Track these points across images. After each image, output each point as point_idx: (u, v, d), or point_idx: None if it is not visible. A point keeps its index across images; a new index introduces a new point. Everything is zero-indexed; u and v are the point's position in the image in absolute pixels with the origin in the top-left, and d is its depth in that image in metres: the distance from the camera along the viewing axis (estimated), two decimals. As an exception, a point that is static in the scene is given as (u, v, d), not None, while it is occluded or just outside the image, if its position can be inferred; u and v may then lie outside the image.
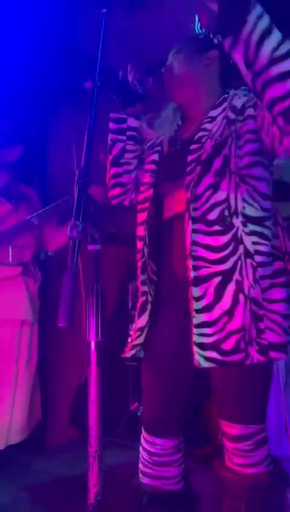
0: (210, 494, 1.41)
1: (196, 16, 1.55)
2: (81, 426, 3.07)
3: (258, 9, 1.05)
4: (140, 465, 1.45)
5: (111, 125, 1.56)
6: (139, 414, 3.17)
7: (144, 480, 1.43)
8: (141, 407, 3.18)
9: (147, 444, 1.43)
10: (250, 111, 1.30)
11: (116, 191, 1.60)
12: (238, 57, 1.11)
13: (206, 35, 1.51)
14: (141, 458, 1.45)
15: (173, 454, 1.42)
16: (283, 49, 1.05)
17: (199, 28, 1.55)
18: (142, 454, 1.45)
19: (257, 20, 1.04)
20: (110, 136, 1.57)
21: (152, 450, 1.42)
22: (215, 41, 1.48)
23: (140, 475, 1.45)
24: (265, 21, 1.05)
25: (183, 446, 1.46)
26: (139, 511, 1.41)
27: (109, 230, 3.43)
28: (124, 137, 1.55)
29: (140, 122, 1.55)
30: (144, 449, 1.44)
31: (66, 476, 2.47)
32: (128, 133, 1.54)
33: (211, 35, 1.50)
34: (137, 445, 1.49)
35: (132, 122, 1.54)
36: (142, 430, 1.46)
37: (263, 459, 1.31)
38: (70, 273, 0.99)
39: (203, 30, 1.54)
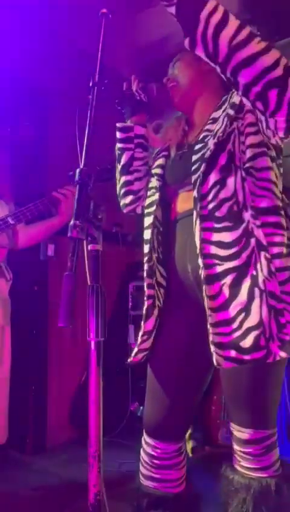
0: (211, 497, 1.38)
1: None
2: (81, 426, 3.08)
3: (209, 6, 1.07)
4: (140, 468, 1.43)
5: (118, 135, 1.56)
6: (139, 414, 3.17)
7: (145, 482, 1.41)
8: (141, 408, 3.20)
9: (148, 447, 1.41)
10: (248, 106, 1.27)
11: (128, 199, 1.59)
12: (200, 54, 1.13)
13: None
14: (142, 460, 1.43)
15: (175, 457, 1.40)
16: (240, 36, 1.06)
17: None
18: (143, 456, 1.43)
19: (209, 17, 1.07)
20: (118, 145, 1.57)
21: (153, 453, 1.39)
22: None
23: (140, 477, 1.43)
24: (218, 15, 1.07)
25: (185, 449, 1.45)
26: None
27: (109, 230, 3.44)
28: (132, 146, 1.55)
29: (146, 129, 1.55)
30: (145, 452, 1.42)
31: (66, 476, 2.46)
32: (135, 140, 1.55)
33: None
34: (137, 445, 1.48)
35: (138, 129, 1.55)
36: (144, 433, 1.43)
37: (271, 464, 1.29)
38: (71, 273, 0.99)
39: None
